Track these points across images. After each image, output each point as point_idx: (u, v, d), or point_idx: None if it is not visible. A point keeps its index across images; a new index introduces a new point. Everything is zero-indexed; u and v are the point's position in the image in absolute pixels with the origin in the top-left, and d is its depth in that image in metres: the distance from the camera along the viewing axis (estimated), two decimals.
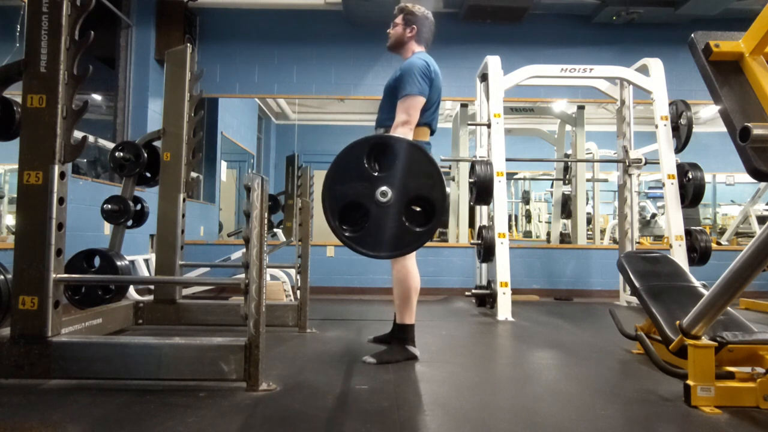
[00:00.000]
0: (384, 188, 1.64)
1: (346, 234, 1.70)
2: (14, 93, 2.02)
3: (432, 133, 2.48)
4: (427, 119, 2.41)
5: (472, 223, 5.81)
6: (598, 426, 1.57)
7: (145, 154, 3.13)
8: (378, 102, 2.57)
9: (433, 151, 2.37)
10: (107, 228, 3.90)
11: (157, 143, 3.20)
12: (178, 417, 1.55)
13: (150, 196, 3.51)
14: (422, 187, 1.71)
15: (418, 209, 1.74)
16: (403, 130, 2.24)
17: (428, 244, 6.74)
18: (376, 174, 1.69)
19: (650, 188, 8.94)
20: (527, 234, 9.94)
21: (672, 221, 4.02)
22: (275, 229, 6.96)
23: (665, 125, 4.19)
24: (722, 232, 8.60)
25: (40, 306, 1.81)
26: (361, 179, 1.69)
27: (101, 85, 5.22)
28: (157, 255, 3.13)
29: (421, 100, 2.28)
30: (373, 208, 1.65)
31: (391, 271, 2.37)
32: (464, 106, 5.97)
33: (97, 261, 2.94)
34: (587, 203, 7.01)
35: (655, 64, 4.33)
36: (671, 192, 4.07)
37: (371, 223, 1.69)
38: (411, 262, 2.33)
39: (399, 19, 2.50)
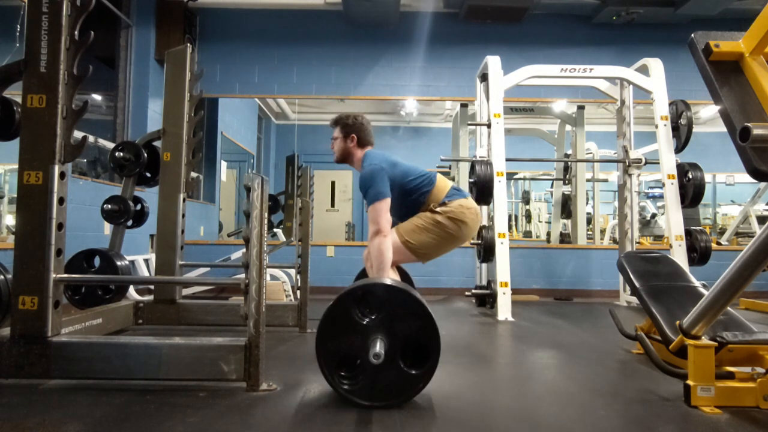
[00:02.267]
0: (377, 350, 1.59)
1: (345, 387, 1.68)
2: (14, 93, 2.02)
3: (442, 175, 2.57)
4: (430, 178, 2.46)
5: None
6: (598, 426, 1.57)
7: (145, 154, 3.13)
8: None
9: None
10: (107, 228, 3.90)
11: (157, 143, 3.20)
12: (178, 417, 1.55)
13: (150, 196, 3.51)
14: (412, 330, 1.69)
15: (411, 349, 1.70)
16: (377, 240, 2.27)
17: None
18: (366, 322, 1.68)
19: (650, 188, 8.93)
20: (527, 234, 9.93)
21: (672, 221, 4.02)
22: (275, 229, 6.96)
23: (665, 125, 4.19)
24: (722, 232, 8.59)
25: (40, 306, 1.81)
26: (352, 332, 1.67)
27: (101, 85, 5.22)
28: (157, 255, 3.13)
29: (385, 203, 2.31)
30: (367, 361, 1.62)
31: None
32: (464, 106, 5.97)
33: (97, 261, 2.94)
34: (587, 203, 7.01)
35: (655, 64, 4.33)
36: (671, 192, 4.07)
37: (368, 375, 1.66)
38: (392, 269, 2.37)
39: (337, 132, 2.58)
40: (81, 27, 1.90)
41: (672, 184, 4.08)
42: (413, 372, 1.68)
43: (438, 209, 2.40)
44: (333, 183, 9.69)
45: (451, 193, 2.46)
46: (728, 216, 9.63)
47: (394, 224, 2.50)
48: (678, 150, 4.23)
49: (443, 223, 2.37)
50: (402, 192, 2.41)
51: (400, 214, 2.48)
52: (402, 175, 2.43)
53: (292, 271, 3.87)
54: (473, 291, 4.21)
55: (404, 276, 2.84)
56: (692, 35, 1.55)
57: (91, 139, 4.39)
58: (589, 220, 7.30)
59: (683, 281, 2.50)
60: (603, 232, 7.85)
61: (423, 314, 1.71)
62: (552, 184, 7.59)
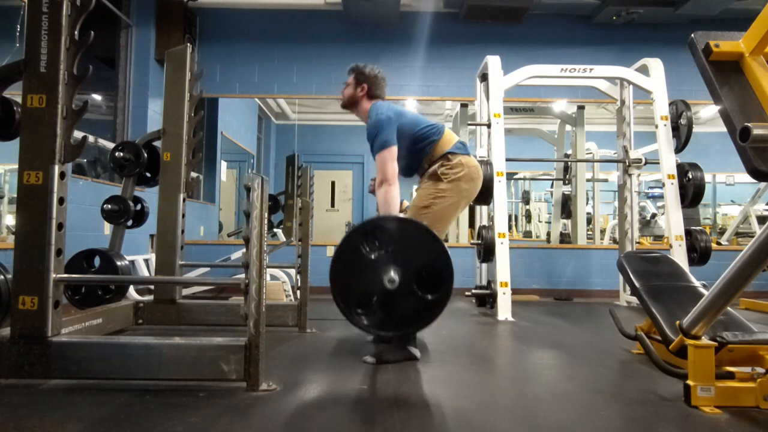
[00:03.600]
0: (390, 275, 1.63)
1: (365, 322, 1.71)
2: (14, 93, 2.02)
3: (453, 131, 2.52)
4: (438, 129, 2.44)
5: (472, 223, 5.81)
6: (598, 426, 1.57)
7: (145, 154, 3.13)
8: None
9: None
10: (107, 228, 3.90)
11: (157, 143, 3.20)
12: (178, 417, 1.55)
13: (150, 196, 3.51)
14: (423, 259, 1.71)
15: (425, 276, 1.73)
16: (383, 189, 2.27)
17: None
18: (377, 257, 1.69)
19: (650, 188, 8.93)
20: (527, 234, 9.93)
21: (672, 221, 4.02)
22: (275, 229, 6.96)
23: (665, 125, 4.18)
24: (722, 232, 8.59)
25: (40, 306, 1.81)
26: (365, 268, 1.70)
27: (101, 85, 5.22)
28: (157, 255, 3.13)
29: (391, 151, 2.30)
30: (384, 292, 1.65)
31: None
32: (464, 106, 5.97)
33: (97, 261, 2.94)
34: (587, 203, 7.01)
35: (655, 64, 4.33)
36: (671, 192, 4.07)
37: (386, 305, 1.69)
38: None
39: (350, 79, 2.59)
40: (81, 27, 1.90)
41: (672, 184, 4.08)
42: (429, 297, 1.70)
43: (439, 171, 2.38)
44: (333, 183, 9.69)
45: (457, 146, 2.43)
46: (728, 216, 9.63)
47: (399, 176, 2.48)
48: (678, 150, 4.23)
49: (447, 189, 2.36)
50: (410, 141, 2.39)
51: (408, 162, 2.46)
52: (411, 124, 2.41)
53: (292, 271, 3.87)
54: (473, 291, 4.21)
55: None
56: (692, 35, 1.55)
57: (91, 139, 4.39)
58: (589, 220, 7.30)
59: (683, 281, 2.50)
60: (603, 232, 7.85)
61: (433, 242, 1.72)
62: (552, 184, 7.59)
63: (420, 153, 2.43)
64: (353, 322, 1.70)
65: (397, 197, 2.26)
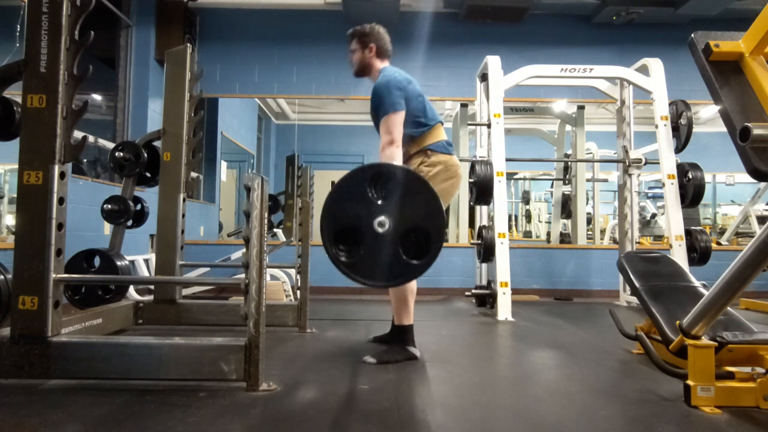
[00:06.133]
0: (382, 218, 1.64)
1: (342, 260, 1.71)
2: (14, 93, 2.02)
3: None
4: (432, 119, 2.40)
5: (472, 223, 5.81)
6: (598, 426, 1.57)
7: (145, 154, 3.13)
8: None
9: None
10: (107, 228, 3.90)
11: (157, 143, 3.20)
12: (178, 417, 1.55)
13: (150, 196, 3.51)
14: (420, 218, 1.71)
15: (414, 240, 1.74)
16: (390, 150, 2.21)
17: None
18: (376, 201, 1.70)
19: (650, 188, 8.93)
20: (527, 234, 9.94)
21: (672, 221, 4.01)
22: (275, 229, 6.96)
23: (665, 125, 4.18)
24: (722, 232, 8.60)
25: (40, 306, 1.81)
26: (360, 206, 1.70)
27: (101, 85, 5.22)
28: (157, 255, 3.13)
29: (399, 116, 2.25)
30: (370, 236, 1.65)
31: None
32: (464, 106, 5.97)
33: (97, 261, 2.94)
34: (587, 203, 7.01)
35: (655, 64, 4.33)
36: (671, 192, 4.07)
37: (367, 251, 1.70)
38: None
39: (354, 44, 2.50)
40: (81, 27, 1.90)
41: (672, 184, 4.08)
42: (413, 262, 1.72)
43: (422, 167, 2.31)
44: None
45: (441, 145, 2.34)
46: (728, 216, 9.63)
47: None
48: (678, 150, 4.23)
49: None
50: (407, 113, 2.29)
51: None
52: (414, 95, 2.31)
53: (292, 271, 3.87)
54: (473, 291, 4.21)
55: None
56: (692, 35, 1.55)
57: (91, 139, 4.39)
58: (589, 220, 7.30)
59: (683, 281, 2.50)
60: (603, 232, 7.85)
61: (434, 205, 1.72)
62: (552, 184, 7.59)
63: (405, 128, 2.31)
64: (330, 254, 1.71)
65: (400, 160, 2.20)
